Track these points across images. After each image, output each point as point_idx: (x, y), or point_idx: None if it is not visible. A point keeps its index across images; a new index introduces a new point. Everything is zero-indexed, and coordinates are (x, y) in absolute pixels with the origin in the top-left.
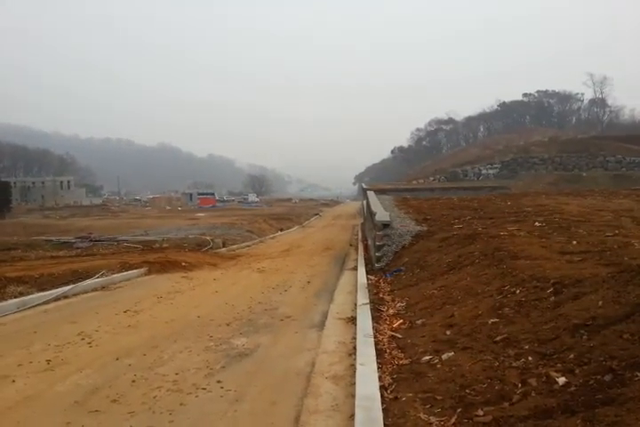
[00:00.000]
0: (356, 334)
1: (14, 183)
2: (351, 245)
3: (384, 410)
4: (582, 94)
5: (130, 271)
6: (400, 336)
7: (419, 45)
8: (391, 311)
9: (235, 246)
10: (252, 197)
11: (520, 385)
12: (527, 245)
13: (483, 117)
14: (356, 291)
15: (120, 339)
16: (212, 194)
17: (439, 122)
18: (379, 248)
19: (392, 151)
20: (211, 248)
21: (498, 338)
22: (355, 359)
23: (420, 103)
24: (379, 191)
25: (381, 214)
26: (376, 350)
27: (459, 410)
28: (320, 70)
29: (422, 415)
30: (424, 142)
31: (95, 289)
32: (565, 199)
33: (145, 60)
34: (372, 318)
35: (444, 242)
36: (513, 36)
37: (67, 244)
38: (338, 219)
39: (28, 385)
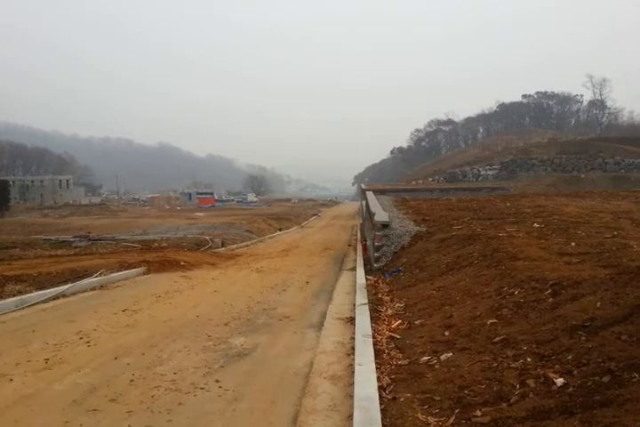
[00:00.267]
0: (354, 334)
1: (13, 182)
2: (350, 245)
3: (382, 410)
4: (581, 96)
5: (128, 270)
6: (399, 337)
7: (419, 46)
8: (390, 312)
9: (234, 246)
10: (251, 197)
11: (518, 386)
12: (526, 246)
13: (482, 118)
14: (355, 291)
15: (118, 338)
16: (211, 194)
17: (438, 123)
18: (377, 249)
19: (391, 152)
20: (210, 248)
21: (496, 339)
22: (353, 360)
23: (420, 104)
24: (378, 192)
25: (380, 215)
26: (374, 350)
27: (457, 411)
28: (320, 70)
29: (420, 416)
30: (423, 143)
31: (94, 288)
32: (564, 201)
33: (145, 60)
34: (371, 319)
35: (442, 243)
36: (513, 37)
37: (65, 243)
38: (337, 219)
39: (26, 384)
